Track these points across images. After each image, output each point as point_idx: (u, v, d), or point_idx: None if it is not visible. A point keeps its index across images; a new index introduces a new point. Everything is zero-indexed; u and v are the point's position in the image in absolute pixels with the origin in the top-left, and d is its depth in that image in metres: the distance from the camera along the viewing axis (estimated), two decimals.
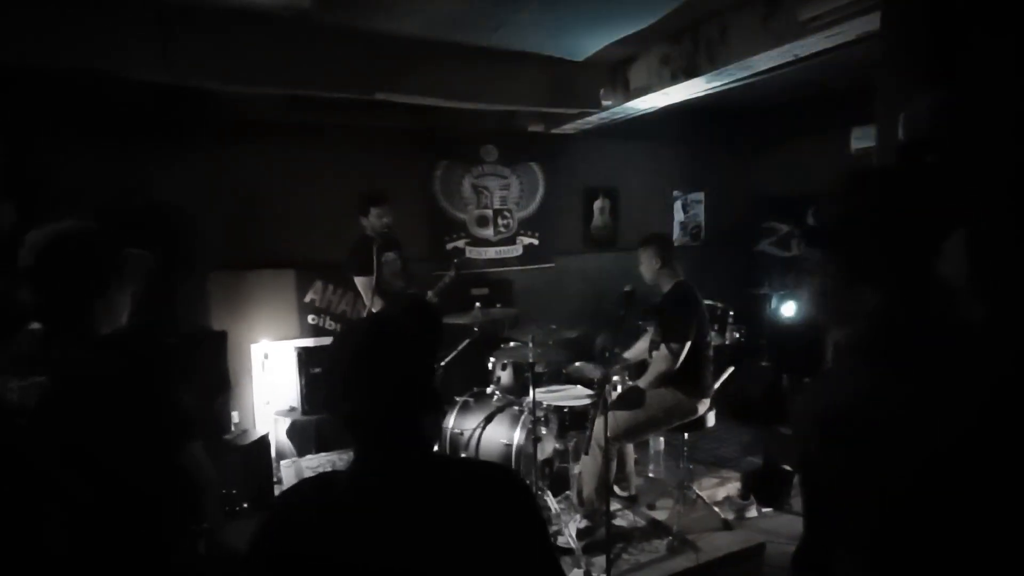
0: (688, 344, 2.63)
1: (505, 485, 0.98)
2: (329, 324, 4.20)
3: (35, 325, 1.20)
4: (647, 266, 2.74)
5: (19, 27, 2.55)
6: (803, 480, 1.04)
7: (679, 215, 5.44)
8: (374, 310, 3.23)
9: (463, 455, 2.90)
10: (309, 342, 3.98)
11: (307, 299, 4.15)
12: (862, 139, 4.63)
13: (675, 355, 2.63)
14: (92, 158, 3.41)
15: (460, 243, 4.62)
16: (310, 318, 4.15)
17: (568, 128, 4.57)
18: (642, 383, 2.74)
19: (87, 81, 2.94)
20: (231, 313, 3.88)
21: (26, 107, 3.11)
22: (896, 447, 0.85)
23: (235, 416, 3.69)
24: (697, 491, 3.00)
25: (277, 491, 3.35)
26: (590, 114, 4.13)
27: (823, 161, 4.80)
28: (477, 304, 2.98)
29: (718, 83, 3.42)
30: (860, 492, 0.90)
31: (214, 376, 3.37)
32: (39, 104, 3.17)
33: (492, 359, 3.11)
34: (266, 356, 3.94)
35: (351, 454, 0.97)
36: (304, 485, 0.99)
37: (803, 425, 1.04)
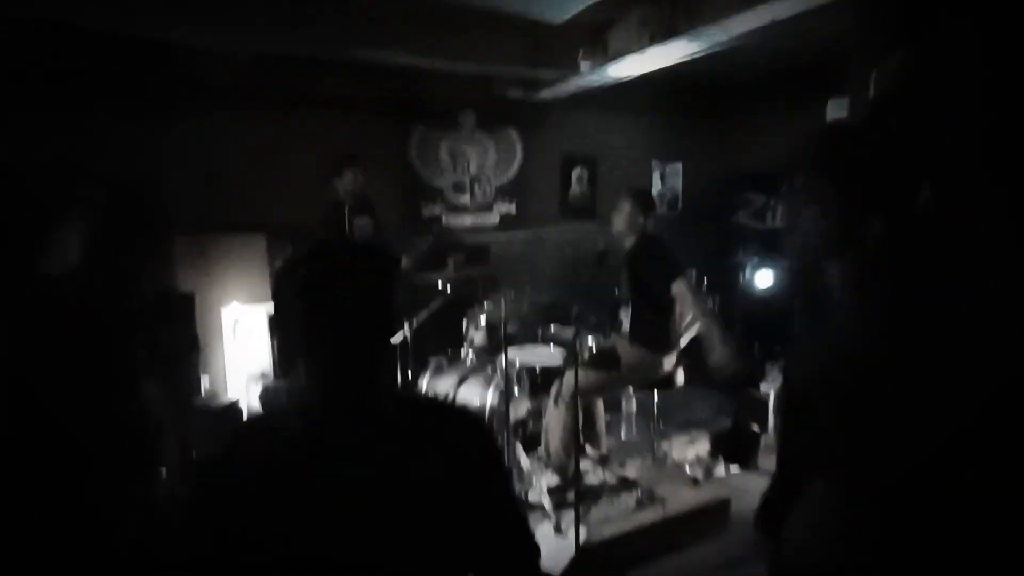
0: (665, 293, 2.59)
1: (467, 426, 0.96)
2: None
3: None
4: (624, 217, 2.68)
5: None
6: (788, 409, 1.04)
7: (657, 185, 5.44)
8: None
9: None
10: None
11: (278, 263, 4.07)
12: (837, 111, 4.65)
13: (691, 285, 2.56)
14: (58, 120, 3.28)
15: (437, 210, 4.57)
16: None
17: (547, 95, 4.51)
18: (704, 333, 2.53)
19: (52, 38, 2.80)
20: (200, 277, 3.80)
21: None
22: (888, 378, 0.85)
23: (205, 381, 3.64)
24: (667, 450, 3.05)
25: None
26: (569, 79, 4.08)
27: (800, 134, 4.82)
28: (451, 260, 2.95)
29: (696, 47, 3.39)
30: (848, 420, 0.91)
31: (182, 338, 3.31)
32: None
33: (465, 320, 3.10)
34: (236, 321, 3.87)
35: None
36: (256, 423, 0.95)
37: (799, 359, 1.05)
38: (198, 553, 0.85)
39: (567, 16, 3.63)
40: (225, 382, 3.91)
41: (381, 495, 0.84)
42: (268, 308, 3.89)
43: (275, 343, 0.97)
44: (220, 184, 3.83)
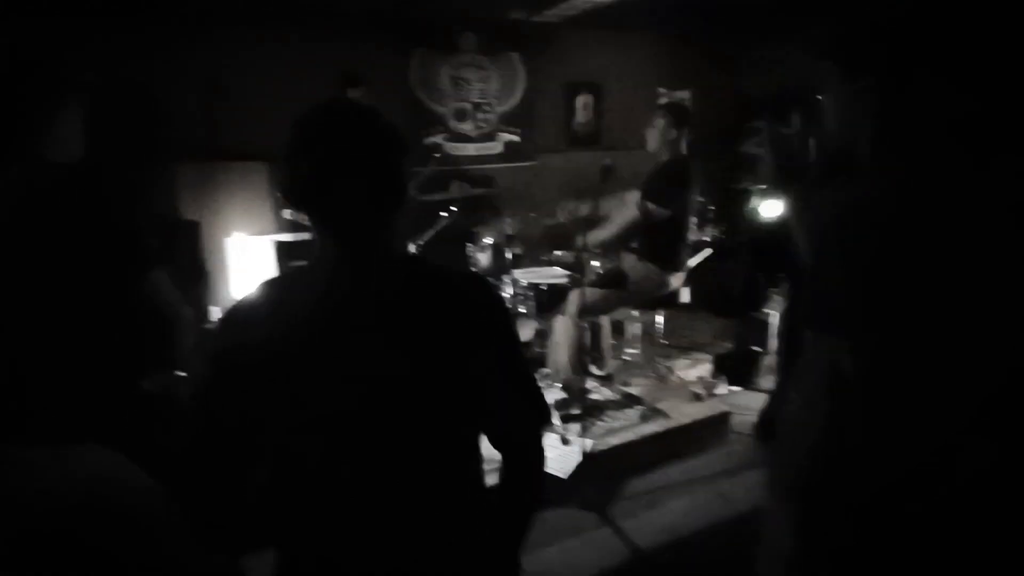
0: (666, 213, 2.60)
1: (476, 289, 0.97)
2: (304, 218, 4.12)
3: None
4: (658, 133, 2.67)
5: None
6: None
7: None
8: None
9: None
10: (287, 237, 3.91)
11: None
12: None
13: (648, 213, 2.61)
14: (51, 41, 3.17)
15: (438, 138, 4.48)
16: (285, 212, 4.06)
17: (551, 15, 4.33)
18: (603, 234, 2.71)
19: None
20: (203, 206, 3.79)
21: None
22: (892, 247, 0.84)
23: (215, 312, 3.69)
24: (670, 371, 3.11)
25: None
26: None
27: (810, 60, 4.64)
28: (455, 183, 2.92)
29: None
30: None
31: (189, 266, 3.32)
32: None
33: (470, 243, 3.10)
34: (243, 251, 3.88)
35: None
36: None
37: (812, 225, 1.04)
38: (218, 410, 0.88)
39: None
40: None
41: (392, 350, 0.85)
42: (274, 237, 3.89)
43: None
44: (220, 111, 3.75)
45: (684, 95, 5.37)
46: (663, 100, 2.77)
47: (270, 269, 3.81)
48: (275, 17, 3.79)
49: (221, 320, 0.92)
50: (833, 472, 0.90)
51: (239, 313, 0.90)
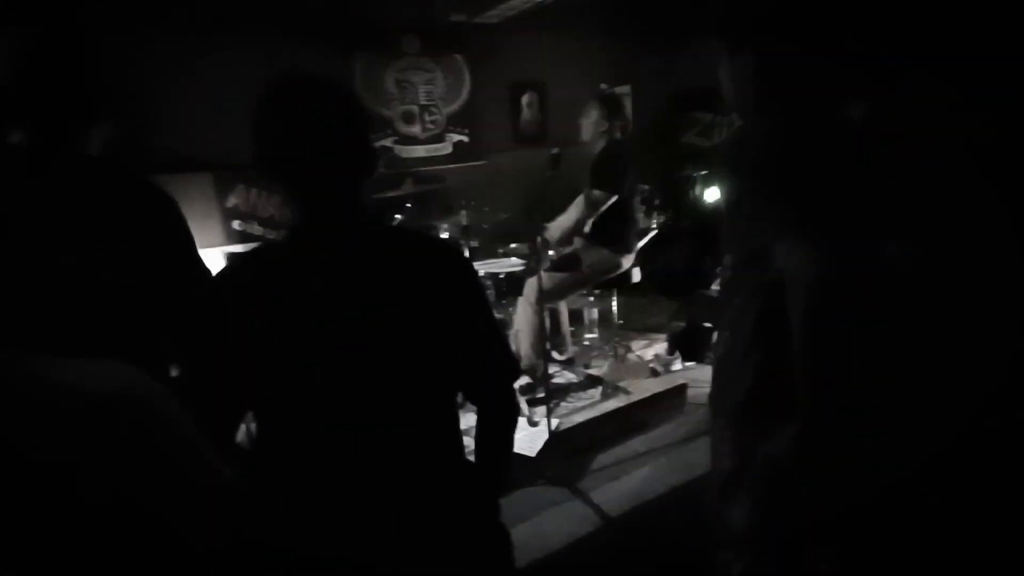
0: (614, 198, 2.73)
1: (444, 250, 1.03)
2: (257, 229, 4.07)
3: (16, 139, 1.08)
4: (591, 123, 2.78)
5: None
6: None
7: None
8: None
9: None
10: (238, 248, 3.85)
11: (230, 204, 3.98)
12: None
13: (597, 203, 2.73)
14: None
15: (388, 142, 4.50)
16: (235, 224, 4.00)
17: (492, 16, 4.43)
18: (552, 231, 2.81)
19: None
20: None
21: None
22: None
23: None
24: (629, 350, 3.23)
25: None
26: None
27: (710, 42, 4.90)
28: (408, 179, 2.97)
29: None
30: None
31: None
32: None
33: None
34: None
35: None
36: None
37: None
38: (207, 361, 0.90)
39: None
40: None
41: (367, 312, 0.90)
42: (225, 251, 3.82)
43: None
44: (162, 122, 3.66)
45: (625, 90, 5.56)
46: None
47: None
48: (216, 25, 3.73)
49: (208, 288, 0.95)
50: (760, 393, 1.01)
51: (223, 282, 0.94)
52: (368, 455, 0.91)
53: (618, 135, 2.81)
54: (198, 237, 3.81)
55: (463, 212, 2.65)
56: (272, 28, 3.91)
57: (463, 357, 0.97)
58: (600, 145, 2.79)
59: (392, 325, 0.91)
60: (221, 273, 0.95)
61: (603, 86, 5.42)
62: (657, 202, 4.56)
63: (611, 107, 2.80)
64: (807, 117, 1.03)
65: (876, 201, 0.95)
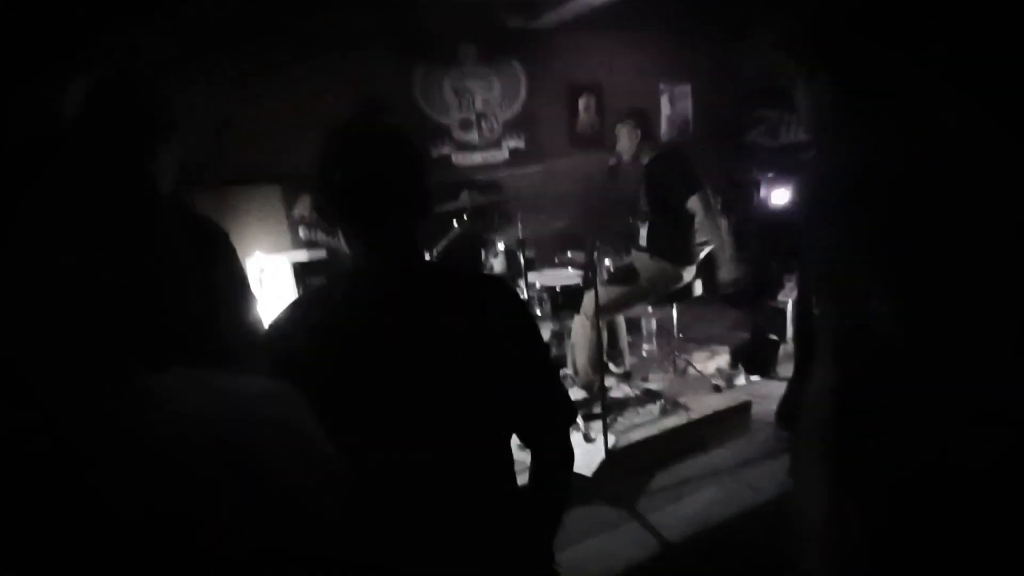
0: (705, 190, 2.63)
1: (499, 293, 1.01)
2: (320, 237, 4.20)
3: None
4: (627, 142, 2.71)
5: None
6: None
7: (666, 109, 5.32)
8: None
9: None
10: (303, 255, 4.01)
11: (296, 213, 4.13)
12: None
13: (707, 201, 2.62)
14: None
15: (445, 150, 4.56)
16: (301, 232, 4.15)
17: (549, 20, 4.39)
18: (723, 255, 2.71)
19: None
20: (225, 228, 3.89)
21: None
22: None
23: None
24: (688, 364, 3.13)
25: None
26: (570, 2, 3.95)
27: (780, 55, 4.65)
28: (465, 191, 2.98)
29: None
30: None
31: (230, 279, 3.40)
32: None
33: (483, 248, 3.15)
34: (262, 270, 3.97)
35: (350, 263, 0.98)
36: (305, 297, 1.02)
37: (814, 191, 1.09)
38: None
39: None
40: None
41: (423, 354, 0.90)
42: (291, 256, 3.98)
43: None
44: (232, 135, 3.86)
45: (685, 89, 5.39)
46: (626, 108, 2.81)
47: (289, 287, 3.91)
48: (278, 40, 3.88)
49: (269, 328, 0.98)
50: (855, 444, 0.93)
51: (282, 322, 0.97)
52: (420, 497, 0.91)
53: (659, 144, 2.73)
54: (267, 244, 3.97)
55: (519, 225, 2.63)
56: (333, 41, 4.03)
57: (517, 399, 0.96)
58: (646, 158, 2.71)
59: (445, 368, 0.91)
60: (278, 315, 0.98)
61: (661, 86, 5.29)
62: (719, 205, 4.40)
63: (639, 120, 2.72)
64: (900, 145, 0.92)
65: (988, 241, 0.84)
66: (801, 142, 4.98)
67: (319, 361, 0.89)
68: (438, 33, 4.34)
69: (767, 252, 4.63)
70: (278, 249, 4.06)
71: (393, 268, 0.94)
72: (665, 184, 2.62)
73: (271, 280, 3.96)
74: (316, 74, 4.01)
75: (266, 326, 0.98)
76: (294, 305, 0.98)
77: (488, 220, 3.18)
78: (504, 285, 1.03)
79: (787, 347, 3.42)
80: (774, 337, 3.40)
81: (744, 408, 2.79)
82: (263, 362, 0.95)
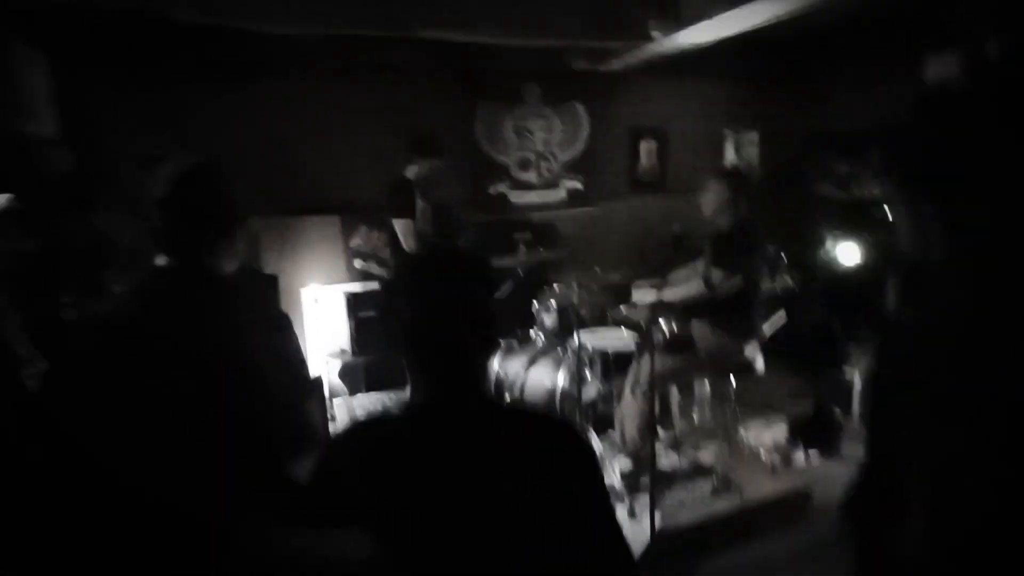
0: (737, 278, 2.51)
1: (569, 442, 0.96)
2: (375, 268, 4.26)
3: (161, 261, 1.18)
4: (714, 199, 2.59)
5: None
6: (871, 414, 1.00)
7: (730, 155, 5.18)
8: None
9: (508, 398, 2.95)
10: (356, 287, 4.07)
11: (352, 244, 4.21)
12: (940, 68, 4.24)
13: (730, 284, 2.51)
14: (137, 100, 3.51)
15: (502, 188, 4.56)
16: (356, 262, 4.22)
17: (615, 65, 4.35)
18: (667, 295, 2.65)
19: (131, 22, 2.95)
20: (280, 258, 3.99)
21: (77, 56, 3.18)
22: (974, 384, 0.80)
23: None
24: (743, 434, 2.98)
25: (332, 428, 3.51)
26: (638, 47, 3.91)
27: (892, 93, 4.43)
28: (521, 246, 2.95)
29: (780, 10, 3.16)
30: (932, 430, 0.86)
31: (271, 317, 3.50)
32: (89, 47, 3.24)
33: (536, 302, 3.11)
34: (316, 300, 4.05)
35: (405, 393, 0.96)
36: (359, 426, 0.99)
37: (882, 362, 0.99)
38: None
39: None
40: (307, 360, 4.13)
41: (484, 498, 0.86)
42: (345, 288, 4.05)
43: (390, 339, 1.04)
44: (294, 167, 3.97)
45: (752, 136, 5.24)
46: (723, 165, 2.71)
47: (341, 317, 3.97)
48: (344, 72, 3.99)
49: (319, 458, 0.96)
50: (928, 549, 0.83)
51: (335, 455, 0.94)
52: None
53: (744, 211, 2.60)
54: (322, 274, 4.07)
55: (573, 284, 2.57)
56: (398, 78, 4.11)
57: (580, 555, 0.90)
58: (724, 221, 2.59)
59: (507, 517, 0.86)
60: (336, 440, 0.96)
61: (726, 131, 5.15)
62: (782, 261, 4.21)
63: (735, 182, 2.59)
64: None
65: None
66: (874, 197, 4.72)
67: (369, 495, 0.86)
68: (504, 75, 4.37)
69: (831, 312, 4.39)
70: (333, 280, 4.15)
71: (455, 406, 0.91)
72: (737, 257, 2.51)
73: (325, 310, 4.04)
74: (381, 106, 4.11)
75: (322, 454, 0.95)
76: (348, 435, 0.95)
77: (542, 275, 3.15)
78: (575, 435, 0.98)
79: (853, 424, 3.21)
80: (838, 413, 3.20)
81: (803, 497, 2.61)
82: (315, 489, 0.92)
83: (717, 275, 2.50)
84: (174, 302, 1.14)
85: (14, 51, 2.84)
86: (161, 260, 1.18)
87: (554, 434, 0.95)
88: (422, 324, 0.89)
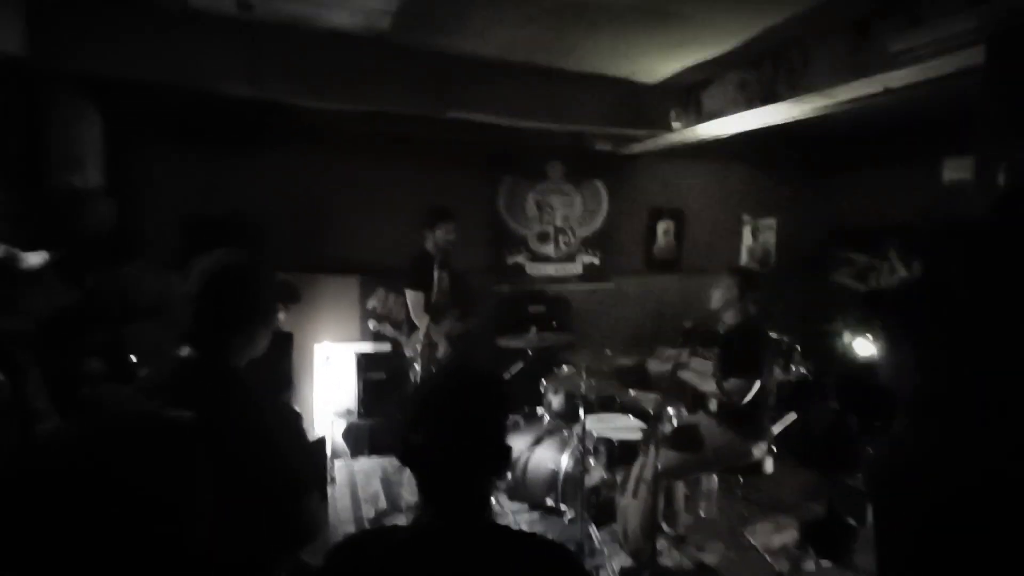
0: (756, 383, 2.48)
1: (566, 564, 0.96)
2: (389, 330, 4.31)
3: (185, 352, 1.20)
4: (722, 295, 2.60)
5: (130, 50, 2.79)
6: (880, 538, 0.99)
7: (747, 240, 5.24)
8: (419, 325, 3.30)
9: (509, 476, 2.90)
10: (368, 347, 4.10)
11: (369, 305, 4.27)
12: (956, 170, 4.30)
13: (740, 392, 2.49)
14: (177, 164, 3.71)
15: (520, 258, 4.64)
16: (370, 323, 4.27)
17: (636, 149, 4.50)
18: (685, 374, 2.64)
19: (179, 94, 3.15)
20: (297, 315, 4.06)
21: (127, 116, 3.40)
22: (975, 504, 0.81)
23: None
24: (750, 537, 2.86)
25: (331, 491, 3.46)
26: (659, 136, 4.05)
27: (910, 191, 4.50)
28: (533, 328, 2.97)
29: (798, 112, 3.27)
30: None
31: (279, 375, 3.53)
32: (138, 113, 3.46)
33: (544, 383, 3.10)
34: (328, 358, 4.09)
35: (416, 504, 0.96)
36: (365, 536, 1.00)
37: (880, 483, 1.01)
38: None
39: (663, 77, 3.63)
40: (312, 417, 4.12)
41: None
42: (356, 347, 4.09)
43: (402, 458, 1.04)
44: (323, 229, 4.11)
45: (770, 222, 5.30)
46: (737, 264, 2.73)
47: (350, 377, 3.99)
48: (374, 143, 4.17)
49: (324, 561, 0.96)
50: None
51: (339, 562, 0.95)
52: None
53: (751, 310, 2.60)
54: (336, 332, 4.12)
55: (582, 370, 2.57)
56: (426, 153, 4.29)
57: None
58: (731, 319, 2.60)
59: None
60: (341, 547, 0.97)
61: (745, 217, 5.24)
62: (796, 352, 4.15)
63: (746, 281, 2.61)
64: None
65: None
66: (891, 291, 4.69)
67: None
68: (529, 153, 4.54)
69: (846, 405, 4.27)
70: (345, 338, 4.19)
71: (462, 529, 0.92)
72: (742, 357, 2.49)
73: (335, 367, 4.07)
74: (406, 175, 4.26)
75: (328, 558, 0.96)
76: (356, 545, 0.96)
77: (551, 358, 3.15)
78: (569, 557, 0.97)
79: (866, 533, 3.07)
80: (851, 521, 3.07)
81: None
82: None
83: (731, 384, 2.48)
84: (189, 396, 1.17)
85: (72, 107, 3.05)
86: (184, 351, 1.21)
87: (552, 561, 0.95)
88: (435, 450, 0.91)
